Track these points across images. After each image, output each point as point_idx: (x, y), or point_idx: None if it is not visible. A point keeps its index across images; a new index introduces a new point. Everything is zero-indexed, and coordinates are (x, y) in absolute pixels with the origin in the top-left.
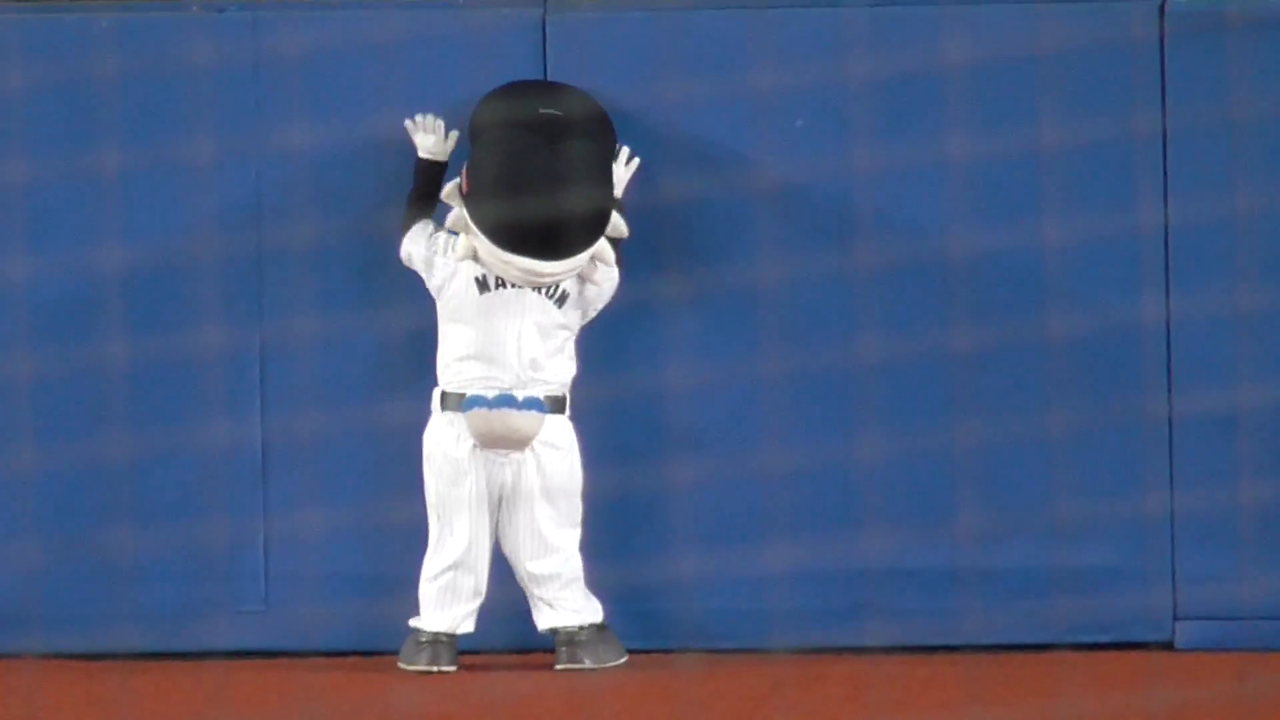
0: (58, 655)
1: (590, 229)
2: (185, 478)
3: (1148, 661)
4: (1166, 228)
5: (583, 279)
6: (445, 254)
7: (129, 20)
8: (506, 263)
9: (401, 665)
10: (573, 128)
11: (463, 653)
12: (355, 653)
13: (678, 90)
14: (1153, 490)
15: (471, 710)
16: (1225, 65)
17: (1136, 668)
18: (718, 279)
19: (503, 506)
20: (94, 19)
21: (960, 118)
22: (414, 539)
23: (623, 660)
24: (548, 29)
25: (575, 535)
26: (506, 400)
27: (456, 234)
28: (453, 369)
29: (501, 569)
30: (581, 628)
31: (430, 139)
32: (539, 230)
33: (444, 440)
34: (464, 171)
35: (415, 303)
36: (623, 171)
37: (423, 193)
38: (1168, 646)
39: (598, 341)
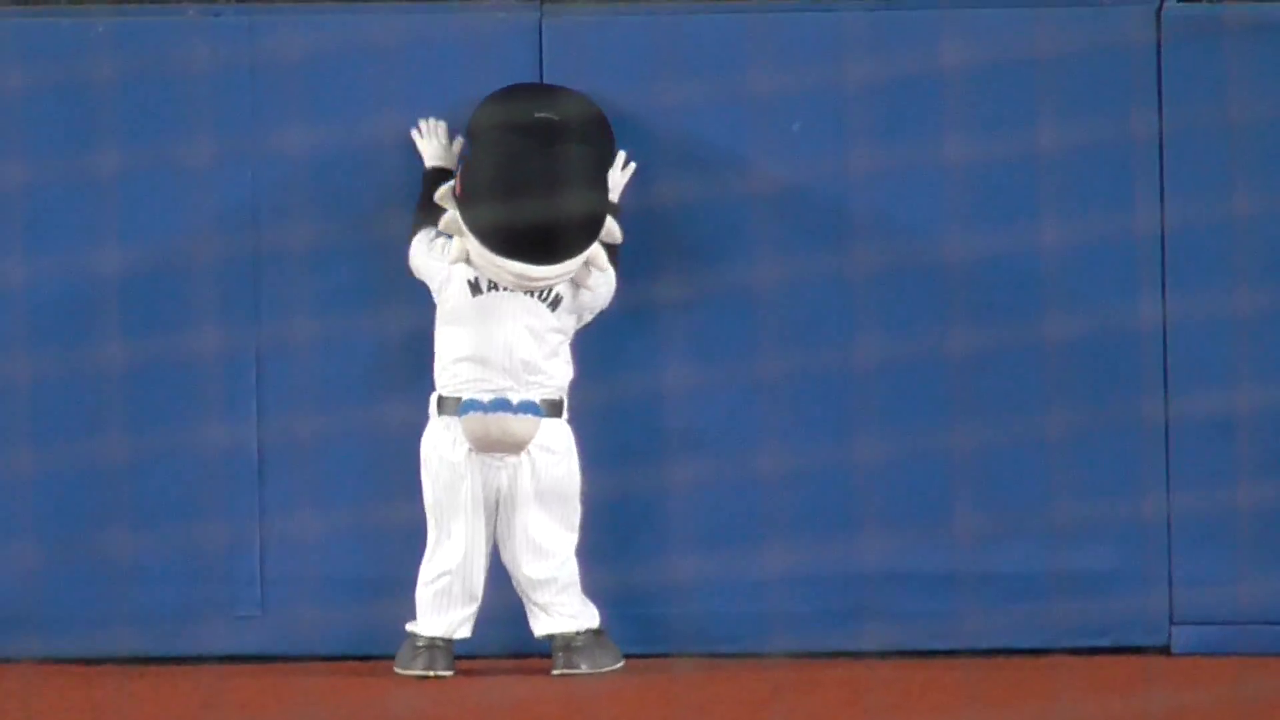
0: (53, 659)
1: (583, 233)
2: (181, 480)
3: (1144, 666)
4: (1163, 230)
5: (576, 283)
6: (440, 257)
7: (126, 24)
8: (498, 266)
9: (398, 670)
10: (568, 131)
11: (459, 658)
12: (352, 657)
13: (675, 92)
14: (1149, 493)
15: (468, 715)
16: (1222, 68)
17: (1133, 672)
18: (716, 281)
19: (500, 511)
20: (91, 23)
21: (958, 120)
22: (411, 543)
23: (619, 665)
24: (544, 31)
25: (571, 540)
26: (502, 404)
27: (451, 237)
28: (449, 372)
29: (498, 574)
30: (578, 633)
31: (435, 146)
32: (530, 234)
33: (440, 445)
34: (458, 174)
35: (413, 305)
36: (619, 177)
37: (428, 201)
38: (1164, 651)
39: (596, 343)
